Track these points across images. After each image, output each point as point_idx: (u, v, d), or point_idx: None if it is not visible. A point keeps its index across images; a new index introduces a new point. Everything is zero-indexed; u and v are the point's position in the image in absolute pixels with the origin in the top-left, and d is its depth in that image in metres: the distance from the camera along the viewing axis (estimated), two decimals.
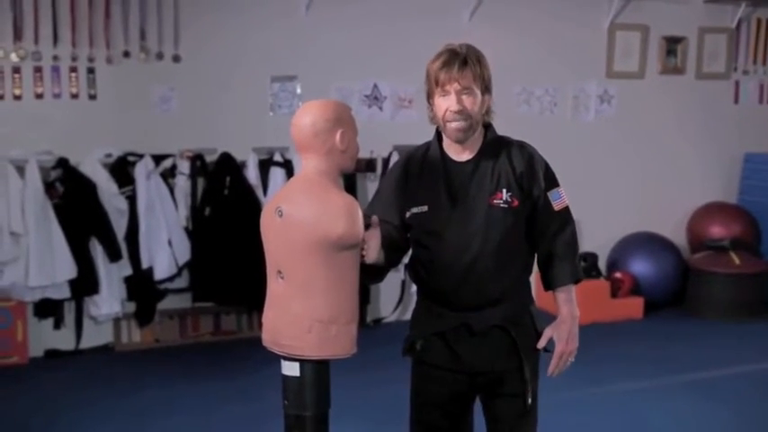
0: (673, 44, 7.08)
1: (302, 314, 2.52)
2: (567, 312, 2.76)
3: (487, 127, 2.80)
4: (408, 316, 6.73)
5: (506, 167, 2.73)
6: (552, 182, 2.77)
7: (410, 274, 2.93)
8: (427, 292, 2.84)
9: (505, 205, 2.69)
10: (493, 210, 2.69)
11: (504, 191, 2.70)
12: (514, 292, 2.78)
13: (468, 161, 2.74)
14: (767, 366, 5.47)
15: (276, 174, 5.75)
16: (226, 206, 5.58)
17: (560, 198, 2.76)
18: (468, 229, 2.69)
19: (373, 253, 2.63)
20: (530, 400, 2.76)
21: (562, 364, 2.76)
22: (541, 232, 2.76)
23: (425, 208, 2.74)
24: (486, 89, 2.73)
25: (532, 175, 2.73)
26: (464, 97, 2.66)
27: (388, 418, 4.47)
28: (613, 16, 6.76)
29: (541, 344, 2.77)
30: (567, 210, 2.78)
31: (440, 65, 2.66)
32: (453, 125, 2.67)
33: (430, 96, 2.73)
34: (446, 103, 2.66)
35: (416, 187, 2.78)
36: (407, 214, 2.78)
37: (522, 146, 2.79)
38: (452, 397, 2.84)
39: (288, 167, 5.76)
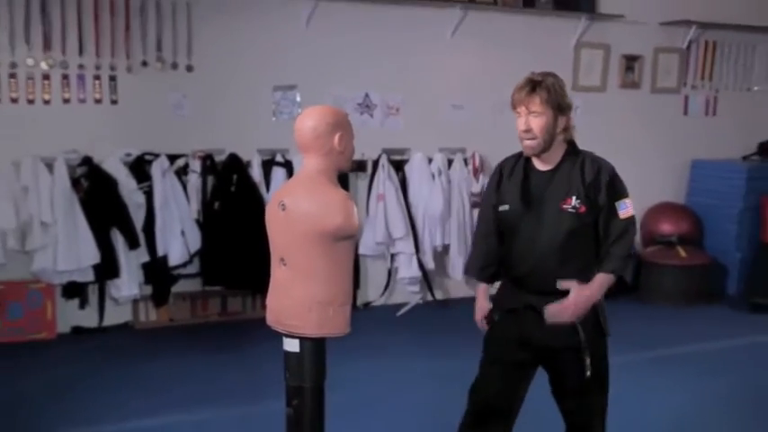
0: (631, 61, 7.12)
1: (303, 297, 2.53)
2: (590, 288, 2.80)
3: (570, 142, 2.88)
4: (393, 300, 6.81)
5: (578, 178, 2.82)
6: (620, 193, 2.86)
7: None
8: (507, 275, 2.99)
9: (573, 210, 2.79)
10: (562, 214, 2.80)
11: (574, 198, 2.80)
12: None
13: (547, 171, 2.87)
14: (709, 346, 5.53)
15: (277, 172, 5.75)
16: (232, 201, 5.58)
17: (626, 208, 2.85)
18: (539, 228, 2.80)
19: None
20: (588, 374, 2.81)
21: (557, 314, 2.78)
22: (606, 235, 2.83)
23: (507, 207, 2.89)
24: (560, 110, 2.79)
25: (598, 186, 2.82)
26: (531, 119, 2.76)
27: (376, 389, 4.51)
28: (579, 35, 6.79)
29: (563, 285, 2.79)
30: (631, 218, 2.86)
31: (516, 89, 2.81)
32: (525, 142, 2.81)
33: None
34: (519, 124, 2.79)
35: (505, 188, 2.93)
36: (498, 209, 2.93)
37: (594, 159, 2.89)
38: (513, 363, 2.94)
39: (288, 167, 5.75)
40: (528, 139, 2.79)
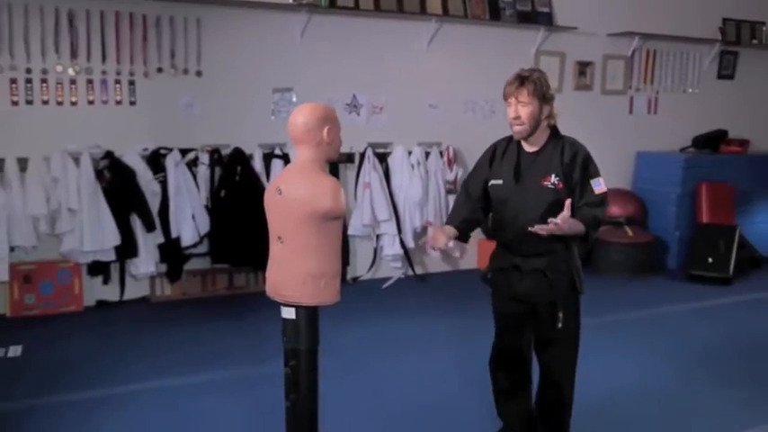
0: (583, 67, 7.12)
1: (298, 271, 2.52)
2: (566, 216, 2.69)
3: (553, 128, 2.90)
4: (379, 275, 6.81)
5: (558, 158, 2.85)
6: (594, 172, 2.87)
7: (490, 228, 3.12)
8: (497, 240, 3.03)
9: (552, 186, 2.83)
10: (543, 189, 2.83)
11: (553, 176, 2.83)
12: (555, 248, 2.87)
13: (533, 152, 2.89)
14: (654, 311, 5.55)
15: (276, 164, 5.71)
16: (237, 189, 5.55)
17: (600, 185, 2.86)
18: (524, 201, 2.84)
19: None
20: (559, 325, 2.87)
21: (539, 228, 2.68)
22: (580, 204, 2.83)
23: (500, 181, 2.92)
24: (545, 100, 2.82)
25: (573, 166, 2.84)
26: (519, 108, 2.79)
27: (363, 352, 4.51)
28: (539, 44, 6.78)
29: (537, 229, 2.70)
30: (604, 194, 2.87)
31: (507, 83, 2.82)
32: (514, 128, 2.84)
33: None
34: (509, 112, 2.82)
35: (498, 166, 2.95)
36: (489, 184, 2.95)
37: (572, 143, 2.91)
38: (510, 313, 3.00)
39: (286, 159, 5.72)
40: (517, 125, 2.82)
